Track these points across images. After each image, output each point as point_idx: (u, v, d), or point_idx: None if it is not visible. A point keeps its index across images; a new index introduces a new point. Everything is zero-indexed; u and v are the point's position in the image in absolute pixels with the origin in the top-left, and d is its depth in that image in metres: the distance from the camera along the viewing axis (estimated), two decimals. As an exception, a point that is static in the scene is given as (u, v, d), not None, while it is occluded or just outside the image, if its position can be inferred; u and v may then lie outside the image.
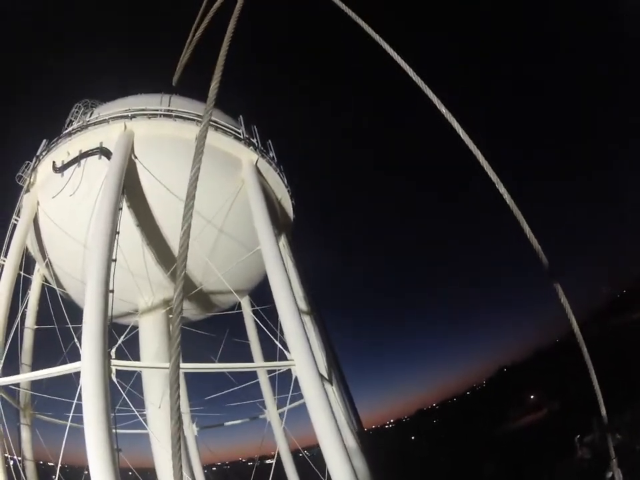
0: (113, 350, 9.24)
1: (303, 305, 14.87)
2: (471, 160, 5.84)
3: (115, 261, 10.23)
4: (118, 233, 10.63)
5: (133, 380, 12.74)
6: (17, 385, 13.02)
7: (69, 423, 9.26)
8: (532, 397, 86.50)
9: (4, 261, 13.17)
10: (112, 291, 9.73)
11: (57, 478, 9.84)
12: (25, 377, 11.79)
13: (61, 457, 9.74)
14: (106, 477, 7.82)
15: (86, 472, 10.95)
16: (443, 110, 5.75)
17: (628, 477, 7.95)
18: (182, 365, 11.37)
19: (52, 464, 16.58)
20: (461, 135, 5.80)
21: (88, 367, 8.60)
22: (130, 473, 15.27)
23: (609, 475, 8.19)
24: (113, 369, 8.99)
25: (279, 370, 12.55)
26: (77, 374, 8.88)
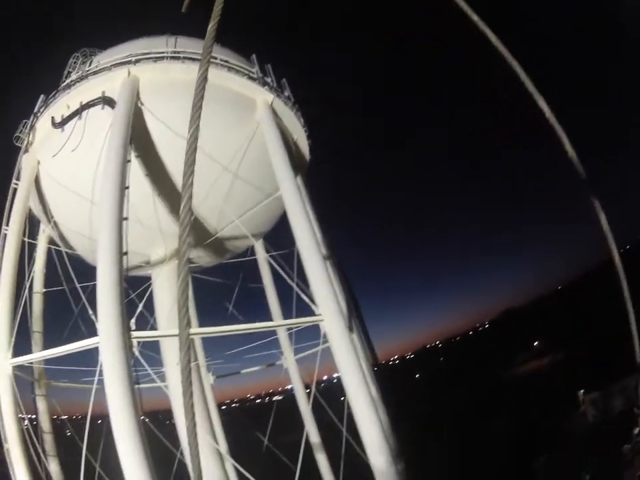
0: (133, 320, 8.75)
1: (322, 250, 14.52)
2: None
3: (127, 219, 9.58)
4: (127, 187, 9.94)
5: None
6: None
7: (94, 388, 8.90)
8: (536, 342, 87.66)
9: (6, 229, 12.58)
10: (126, 253, 9.10)
11: (86, 434, 9.67)
12: (39, 355, 11.29)
13: (88, 421, 9.52)
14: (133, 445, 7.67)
15: (99, 421, 10.91)
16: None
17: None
18: (200, 329, 11.10)
19: (65, 417, 16.70)
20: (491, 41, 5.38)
21: (107, 344, 8.13)
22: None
23: (637, 430, 8.15)
24: (134, 341, 8.55)
25: (302, 325, 12.21)
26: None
